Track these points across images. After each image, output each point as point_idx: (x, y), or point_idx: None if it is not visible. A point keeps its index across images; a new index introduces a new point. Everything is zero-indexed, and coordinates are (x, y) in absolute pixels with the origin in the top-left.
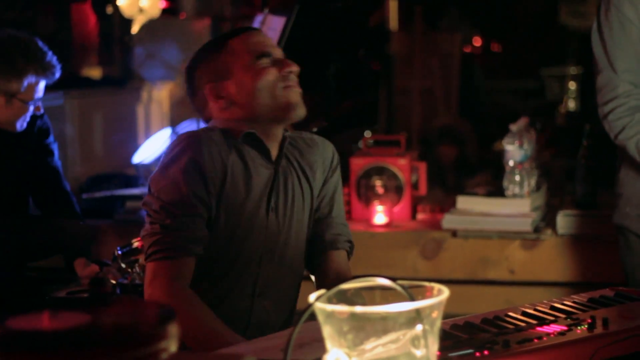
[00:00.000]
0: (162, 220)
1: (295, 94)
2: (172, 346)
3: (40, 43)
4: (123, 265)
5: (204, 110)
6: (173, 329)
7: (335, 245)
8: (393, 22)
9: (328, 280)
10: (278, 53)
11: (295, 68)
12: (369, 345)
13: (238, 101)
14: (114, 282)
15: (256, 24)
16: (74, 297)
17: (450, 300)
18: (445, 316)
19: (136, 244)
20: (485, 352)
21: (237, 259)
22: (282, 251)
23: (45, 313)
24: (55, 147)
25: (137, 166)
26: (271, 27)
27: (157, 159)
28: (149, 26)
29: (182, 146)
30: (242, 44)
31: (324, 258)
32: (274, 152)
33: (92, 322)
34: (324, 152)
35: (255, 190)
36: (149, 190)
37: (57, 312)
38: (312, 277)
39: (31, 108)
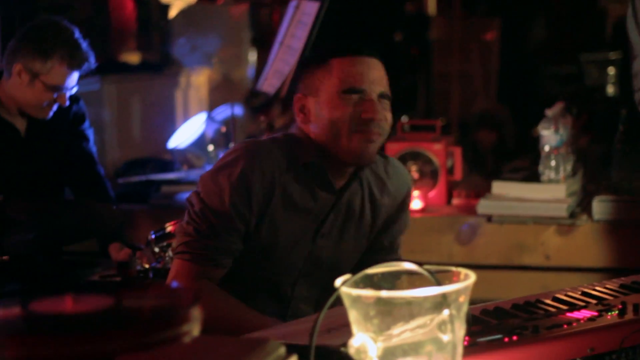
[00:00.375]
0: (198, 224)
1: (363, 144)
2: (195, 330)
3: (77, 33)
4: (156, 250)
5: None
6: (196, 313)
7: None
8: (432, 7)
9: None
10: (374, 92)
11: (376, 117)
12: (396, 330)
13: (313, 123)
14: (147, 266)
15: (290, 8)
16: (102, 280)
17: (485, 285)
18: (480, 301)
19: (169, 228)
20: (514, 338)
21: (271, 277)
22: (323, 275)
23: (68, 296)
24: (90, 133)
25: (172, 151)
26: (305, 12)
27: (192, 144)
28: (187, 12)
29: (238, 155)
30: (342, 67)
31: None
32: (340, 182)
33: (114, 305)
34: (400, 185)
35: (308, 214)
36: (197, 186)
37: (80, 295)
38: None
39: (54, 96)
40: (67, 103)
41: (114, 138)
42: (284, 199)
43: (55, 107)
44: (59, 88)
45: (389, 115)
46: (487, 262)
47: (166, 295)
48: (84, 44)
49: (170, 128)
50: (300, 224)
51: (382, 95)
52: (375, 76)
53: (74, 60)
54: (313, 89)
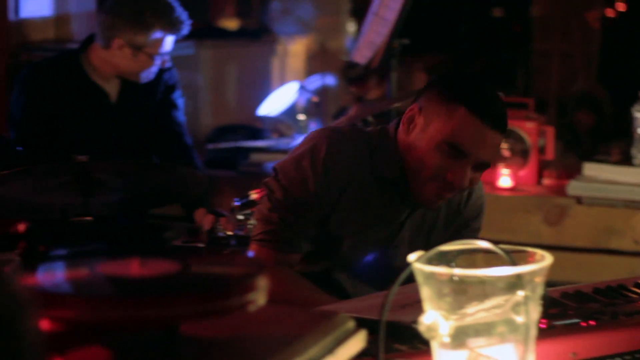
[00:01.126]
0: (281, 213)
1: (433, 196)
2: (261, 299)
3: None
4: (240, 217)
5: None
6: (262, 282)
7: None
8: None
9: None
10: (474, 161)
11: (457, 185)
12: (471, 309)
13: (410, 142)
14: (229, 233)
15: None
16: (174, 245)
17: (572, 268)
18: (565, 284)
19: (253, 196)
20: (592, 323)
21: (334, 273)
22: (387, 281)
23: (135, 260)
24: (181, 102)
25: (263, 119)
26: None
27: (283, 113)
28: None
29: (319, 142)
30: (463, 121)
31: None
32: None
33: (180, 271)
34: (474, 207)
35: (380, 222)
36: (275, 173)
37: (149, 259)
38: None
39: (157, 62)
40: (169, 64)
41: (207, 103)
42: (358, 196)
43: (154, 70)
44: (161, 55)
45: (476, 180)
46: (575, 244)
47: (234, 264)
48: (179, 7)
49: (265, 96)
50: (370, 229)
51: (482, 165)
52: (486, 149)
53: (175, 27)
54: (428, 114)
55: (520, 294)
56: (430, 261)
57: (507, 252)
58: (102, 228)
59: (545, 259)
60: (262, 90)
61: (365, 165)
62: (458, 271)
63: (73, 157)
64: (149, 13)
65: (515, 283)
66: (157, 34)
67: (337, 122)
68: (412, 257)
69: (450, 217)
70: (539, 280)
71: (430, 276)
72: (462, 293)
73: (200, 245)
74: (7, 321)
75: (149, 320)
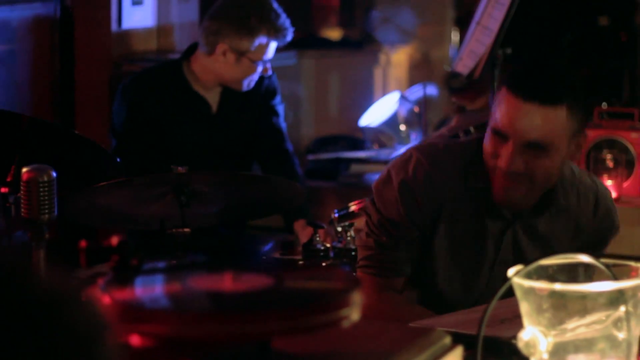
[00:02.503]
0: (377, 236)
1: (501, 188)
2: (354, 315)
3: (275, 4)
4: (338, 229)
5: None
6: (356, 298)
7: None
8: None
9: None
10: (519, 140)
11: (504, 167)
12: (571, 325)
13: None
14: (328, 245)
15: None
16: (268, 258)
17: None
18: None
19: (353, 207)
20: None
21: (450, 300)
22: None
23: (228, 274)
24: (281, 109)
25: (364, 129)
26: None
27: (384, 123)
28: None
29: (411, 165)
30: (505, 103)
31: None
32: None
33: (273, 286)
34: (600, 219)
35: (479, 237)
36: (372, 194)
37: (242, 273)
38: None
39: (259, 69)
40: (270, 72)
41: (309, 113)
42: (455, 213)
43: (256, 78)
44: (264, 61)
45: (536, 165)
46: None
47: (328, 278)
48: (283, 14)
49: (367, 106)
50: (472, 248)
51: (531, 145)
52: (530, 124)
53: (279, 33)
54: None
55: (622, 309)
56: (529, 276)
57: (608, 266)
58: (200, 240)
59: None
60: (364, 101)
61: (458, 180)
62: (558, 286)
63: (172, 168)
64: (255, 18)
65: (617, 298)
66: (261, 40)
67: (439, 133)
68: (511, 272)
69: (572, 234)
70: None
71: (530, 291)
72: (562, 308)
73: (297, 258)
74: (83, 341)
75: (240, 336)
